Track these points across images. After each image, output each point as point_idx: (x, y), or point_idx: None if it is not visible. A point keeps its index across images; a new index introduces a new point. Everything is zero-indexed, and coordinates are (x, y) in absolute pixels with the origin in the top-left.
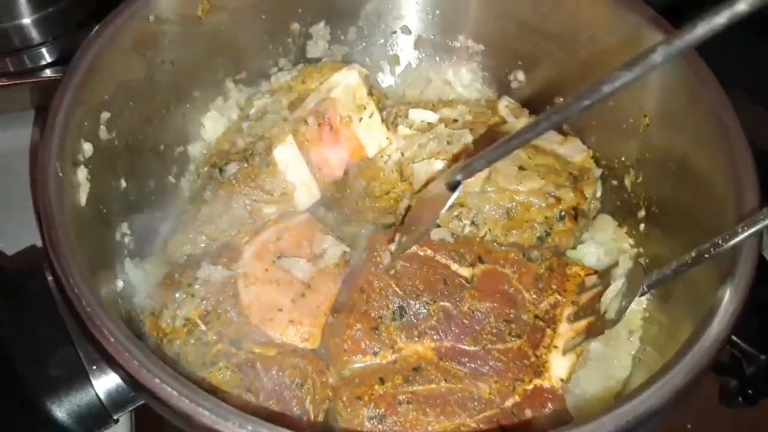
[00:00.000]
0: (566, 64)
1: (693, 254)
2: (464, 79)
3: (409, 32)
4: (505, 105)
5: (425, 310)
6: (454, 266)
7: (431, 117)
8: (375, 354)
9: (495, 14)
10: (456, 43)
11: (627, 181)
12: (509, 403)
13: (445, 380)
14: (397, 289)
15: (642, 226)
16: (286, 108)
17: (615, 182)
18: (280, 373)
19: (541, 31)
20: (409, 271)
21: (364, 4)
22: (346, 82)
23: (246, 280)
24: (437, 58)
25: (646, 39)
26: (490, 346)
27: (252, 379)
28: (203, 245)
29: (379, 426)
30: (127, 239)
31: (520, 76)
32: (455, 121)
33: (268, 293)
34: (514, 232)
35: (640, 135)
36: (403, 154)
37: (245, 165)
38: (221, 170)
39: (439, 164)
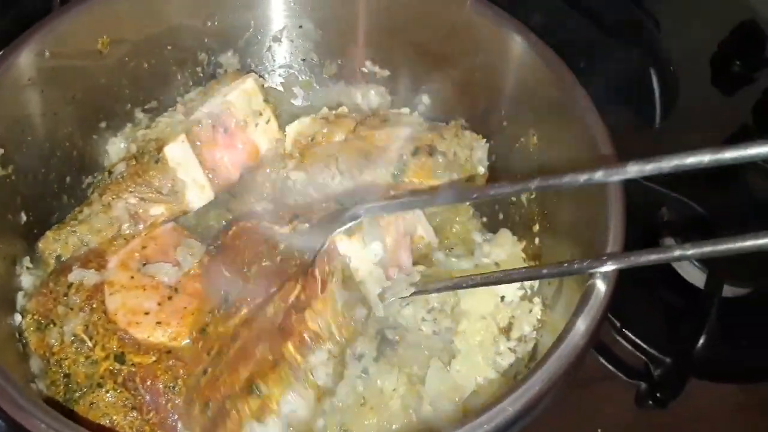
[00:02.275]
0: (465, 86)
1: None
2: (372, 103)
3: (318, 59)
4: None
5: (248, 280)
6: (276, 228)
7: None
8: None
9: (394, 40)
10: (363, 68)
11: (523, 197)
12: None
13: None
14: (225, 272)
15: (537, 240)
16: (182, 114)
17: (514, 198)
18: (154, 382)
19: (440, 56)
20: (238, 247)
21: (269, 33)
22: (242, 87)
23: (111, 288)
24: (346, 83)
25: (531, 62)
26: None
27: (134, 394)
28: (73, 247)
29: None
30: (28, 272)
31: (426, 99)
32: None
33: (134, 299)
34: (368, 170)
35: (530, 152)
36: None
37: (133, 163)
38: (110, 172)
39: (306, 120)
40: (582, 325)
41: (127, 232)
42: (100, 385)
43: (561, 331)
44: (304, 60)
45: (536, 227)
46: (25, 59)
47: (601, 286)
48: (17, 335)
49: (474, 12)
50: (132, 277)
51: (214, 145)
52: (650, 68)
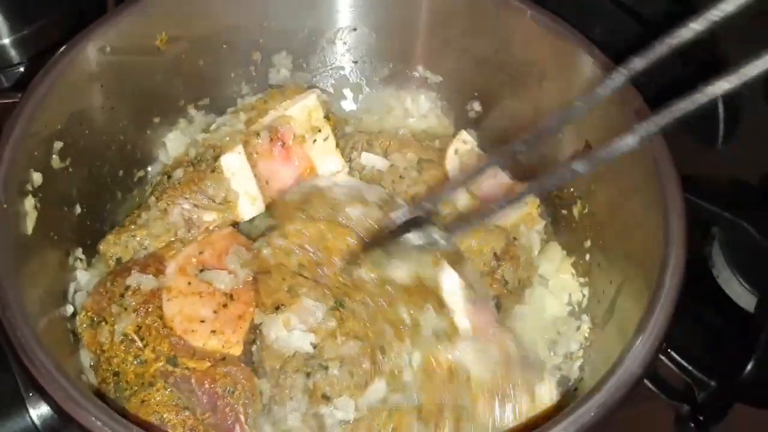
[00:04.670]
0: (519, 96)
1: None
2: (423, 108)
3: (370, 62)
4: (455, 149)
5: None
6: None
7: (381, 164)
8: None
9: (449, 47)
10: (415, 73)
11: (575, 212)
12: None
13: None
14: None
15: (588, 256)
16: (243, 123)
17: (565, 212)
18: (213, 385)
19: (494, 65)
20: None
21: (323, 34)
22: (304, 102)
23: (169, 293)
24: (397, 87)
25: (590, 72)
26: None
27: (188, 395)
28: (133, 251)
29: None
30: (80, 264)
31: (477, 106)
32: (401, 177)
33: (191, 305)
34: None
35: None
36: None
37: (191, 169)
38: (169, 176)
39: None
40: (641, 351)
41: (183, 237)
42: (151, 384)
43: (617, 356)
44: (355, 62)
45: (587, 243)
46: (88, 54)
47: (661, 310)
48: (68, 326)
49: (534, 23)
50: (189, 283)
51: (271, 158)
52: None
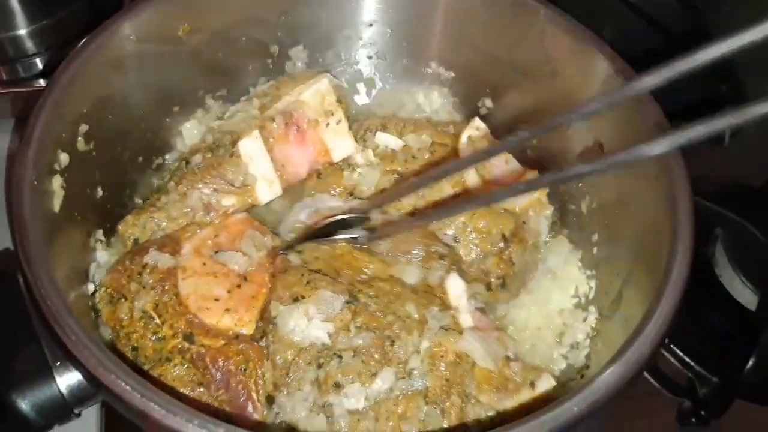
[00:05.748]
0: (531, 94)
1: None
2: (434, 104)
3: (384, 58)
4: (468, 136)
5: None
6: None
7: (395, 144)
8: None
9: (463, 44)
10: (428, 69)
11: (584, 206)
12: None
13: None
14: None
15: (595, 250)
16: (257, 109)
17: (573, 207)
18: (226, 363)
19: (507, 63)
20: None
21: (340, 30)
22: (316, 86)
23: (184, 273)
24: (410, 83)
25: (603, 72)
26: None
27: (203, 372)
28: (150, 232)
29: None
30: (100, 245)
31: (488, 103)
32: (414, 158)
33: (206, 285)
34: None
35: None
36: None
37: (209, 155)
38: (187, 162)
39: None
40: (650, 333)
41: (201, 220)
42: (168, 359)
43: (630, 335)
44: (370, 58)
45: (595, 237)
46: (114, 41)
47: (669, 296)
48: (89, 303)
49: (547, 22)
50: (204, 264)
51: (286, 142)
52: (722, 85)
